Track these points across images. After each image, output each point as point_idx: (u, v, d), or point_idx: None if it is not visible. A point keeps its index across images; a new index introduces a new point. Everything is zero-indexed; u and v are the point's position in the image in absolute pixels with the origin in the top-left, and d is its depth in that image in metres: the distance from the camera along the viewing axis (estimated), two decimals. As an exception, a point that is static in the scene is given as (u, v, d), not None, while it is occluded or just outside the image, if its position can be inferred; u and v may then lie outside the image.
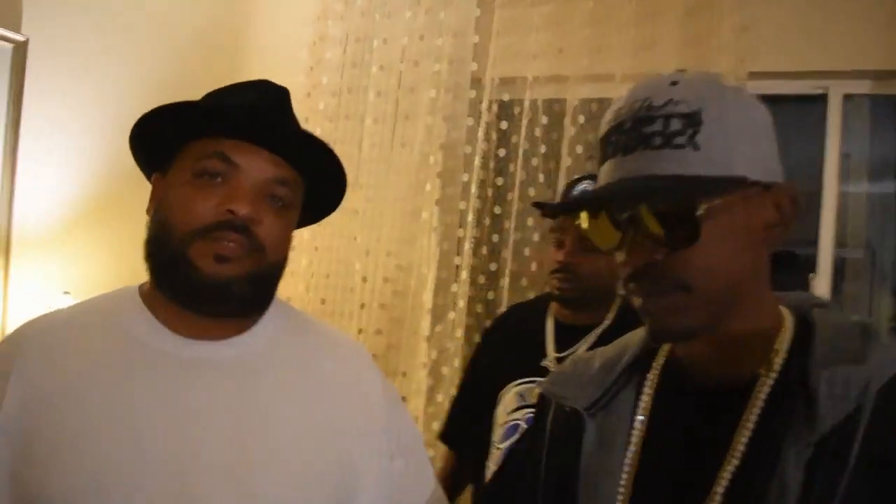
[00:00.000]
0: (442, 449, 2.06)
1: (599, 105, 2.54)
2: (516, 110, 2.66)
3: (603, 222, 0.80)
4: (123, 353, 0.93)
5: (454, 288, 2.62)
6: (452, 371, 2.55)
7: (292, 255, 1.03)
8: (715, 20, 2.35)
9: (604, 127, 0.81)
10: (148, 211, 0.98)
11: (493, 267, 2.67)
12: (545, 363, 1.71)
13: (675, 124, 0.75)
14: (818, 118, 2.46)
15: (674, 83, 0.77)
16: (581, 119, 2.52)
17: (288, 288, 2.67)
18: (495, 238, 2.68)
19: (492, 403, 1.77)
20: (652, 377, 0.87)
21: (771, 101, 0.82)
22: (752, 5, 2.29)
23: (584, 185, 1.71)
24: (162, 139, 0.96)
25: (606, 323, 1.70)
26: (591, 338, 1.68)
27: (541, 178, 2.59)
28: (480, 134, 2.63)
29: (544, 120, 2.60)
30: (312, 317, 1.16)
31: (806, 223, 2.41)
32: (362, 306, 2.68)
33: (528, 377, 1.70)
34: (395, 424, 1.06)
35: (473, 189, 2.63)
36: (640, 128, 0.76)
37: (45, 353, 0.93)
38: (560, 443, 0.91)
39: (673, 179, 0.74)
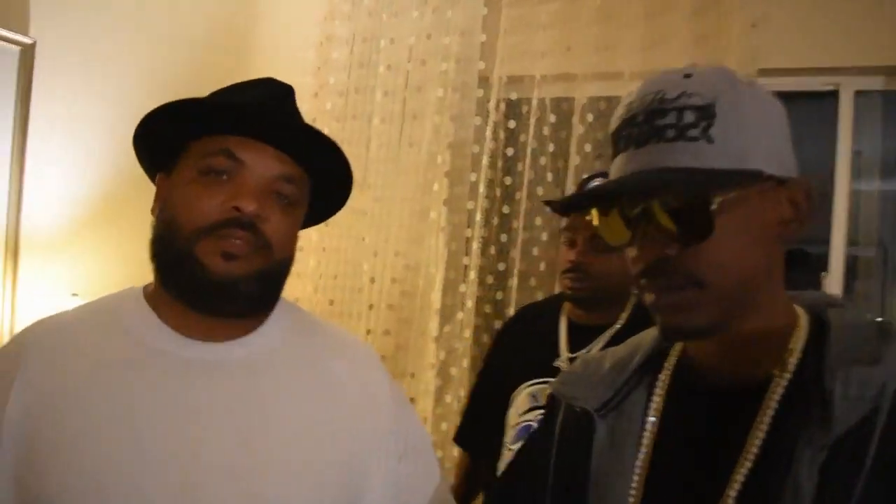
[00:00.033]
0: (453, 450, 2.04)
1: (608, 103, 2.52)
2: (524, 109, 2.64)
3: (614, 219, 0.78)
4: (124, 354, 0.93)
5: (462, 288, 2.61)
6: (461, 372, 2.54)
7: (300, 257, 1.02)
8: (724, 17, 2.33)
9: (615, 121, 0.80)
10: (153, 211, 0.98)
11: (501, 267, 2.66)
12: (558, 363, 1.69)
13: (689, 116, 0.73)
14: (829, 115, 2.43)
15: (687, 76, 0.76)
16: (589, 117, 2.51)
17: (296, 289, 2.67)
18: (504, 238, 2.67)
19: (505, 405, 1.75)
20: (664, 378, 0.86)
21: (781, 98, 0.80)
22: (762, 2, 2.27)
23: (597, 182, 1.69)
24: (166, 138, 0.96)
25: (620, 323, 1.68)
26: (605, 338, 1.66)
27: (549, 177, 2.58)
28: (488, 133, 2.62)
29: (552, 118, 2.59)
30: (319, 318, 1.15)
31: (817, 221, 2.39)
32: (370, 307, 2.68)
33: (541, 378, 1.67)
34: (403, 425, 1.06)
35: (481, 188, 2.62)
36: (652, 120, 0.75)
37: (49, 354, 0.93)
38: (570, 444, 0.90)
39: (686, 172, 0.73)
